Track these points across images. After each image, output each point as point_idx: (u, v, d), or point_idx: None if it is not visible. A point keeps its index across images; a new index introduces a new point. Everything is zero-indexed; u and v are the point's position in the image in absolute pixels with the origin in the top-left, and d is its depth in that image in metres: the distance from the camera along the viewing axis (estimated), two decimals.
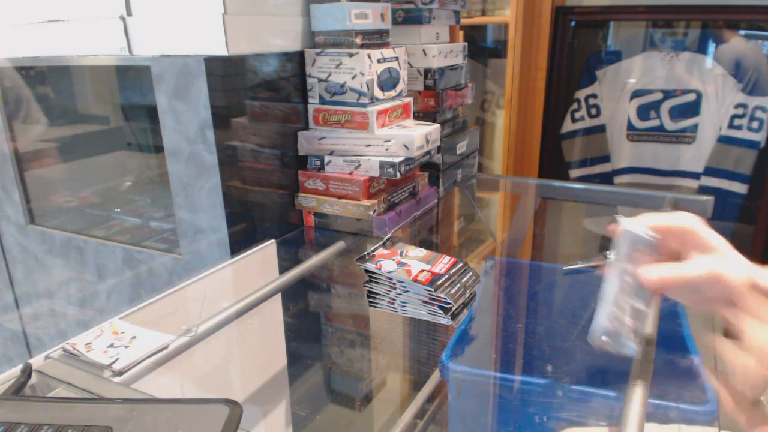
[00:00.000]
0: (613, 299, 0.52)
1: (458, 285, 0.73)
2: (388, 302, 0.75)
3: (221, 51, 0.83)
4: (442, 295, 0.70)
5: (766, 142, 1.59)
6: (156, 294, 0.74)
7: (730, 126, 1.62)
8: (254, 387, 0.70)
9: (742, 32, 1.60)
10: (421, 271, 0.73)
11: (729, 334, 0.48)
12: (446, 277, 0.73)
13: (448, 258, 0.77)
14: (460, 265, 0.76)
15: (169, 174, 0.92)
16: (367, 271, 0.76)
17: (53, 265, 1.20)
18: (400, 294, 0.73)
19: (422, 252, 0.79)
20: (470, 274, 0.76)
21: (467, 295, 0.74)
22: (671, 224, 0.53)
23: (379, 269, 0.74)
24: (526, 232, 1.21)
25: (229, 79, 0.87)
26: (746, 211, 1.67)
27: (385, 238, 0.83)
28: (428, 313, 0.71)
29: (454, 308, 0.70)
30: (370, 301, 0.76)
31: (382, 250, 0.80)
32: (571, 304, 0.86)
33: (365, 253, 0.79)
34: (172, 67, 0.85)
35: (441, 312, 0.70)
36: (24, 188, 1.20)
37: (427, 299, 0.71)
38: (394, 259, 0.76)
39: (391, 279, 0.74)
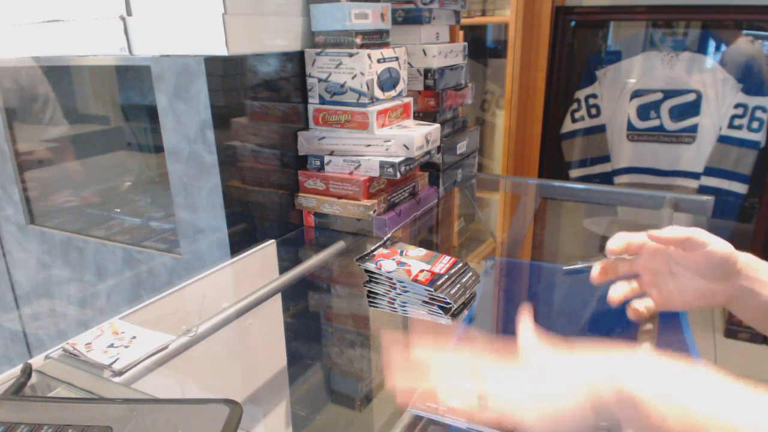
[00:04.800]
0: None
1: (458, 285, 0.73)
2: (388, 302, 0.74)
3: (221, 51, 0.83)
4: (442, 295, 0.70)
5: (766, 142, 1.59)
6: (156, 294, 0.74)
7: (730, 126, 1.62)
8: (254, 387, 0.70)
9: (742, 32, 1.60)
10: (421, 270, 0.73)
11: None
12: (446, 277, 0.73)
13: (448, 258, 0.77)
14: (460, 265, 0.76)
15: (169, 174, 0.92)
16: (367, 271, 0.76)
17: (53, 265, 1.20)
18: (400, 294, 0.73)
19: (422, 252, 0.79)
20: (470, 274, 0.76)
21: (467, 295, 0.74)
22: None
23: (379, 269, 0.74)
24: (526, 232, 1.21)
25: (229, 79, 0.87)
26: (746, 211, 1.67)
27: (384, 239, 0.83)
28: (428, 313, 0.71)
29: (454, 308, 0.70)
30: (370, 301, 0.76)
31: (382, 250, 0.80)
32: (571, 304, 0.86)
33: (365, 253, 0.79)
34: (172, 67, 0.85)
35: (441, 312, 0.70)
36: (24, 188, 1.20)
37: (427, 299, 0.71)
38: (394, 259, 0.76)
39: (391, 279, 0.74)
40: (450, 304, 0.69)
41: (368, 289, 0.75)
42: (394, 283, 0.73)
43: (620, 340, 0.72)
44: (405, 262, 0.75)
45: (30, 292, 1.29)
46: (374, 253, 0.79)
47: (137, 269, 1.05)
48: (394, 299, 0.74)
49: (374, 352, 0.75)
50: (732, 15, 1.58)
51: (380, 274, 0.74)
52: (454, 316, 0.70)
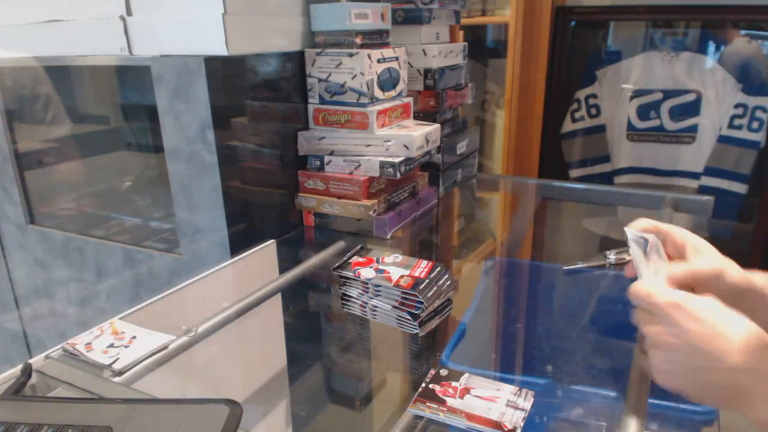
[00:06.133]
0: None
1: (434, 289, 0.72)
2: (360, 306, 0.74)
3: (221, 51, 0.83)
4: (419, 297, 0.69)
5: (766, 142, 1.59)
6: (156, 294, 0.74)
7: (730, 126, 1.61)
8: (254, 387, 0.70)
9: (742, 32, 1.60)
10: (402, 276, 0.72)
11: None
12: (427, 281, 0.72)
13: (426, 262, 0.76)
14: (439, 269, 0.75)
15: (169, 174, 0.92)
16: (343, 278, 0.75)
17: (53, 265, 1.20)
18: (372, 298, 0.73)
19: (398, 257, 0.78)
20: (446, 277, 0.75)
21: (442, 298, 0.73)
22: (664, 228, 0.56)
23: (358, 277, 0.74)
24: (526, 232, 1.21)
25: (229, 79, 0.87)
26: (746, 211, 1.67)
27: (358, 247, 0.82)
28: (397, 319, 0.71)
29: (422, 316, 0.70)
30: (343, 304, 0.76)
31: (357, 258, 0.79)
32: (571, 304, 0.86)
33: (341, 261, 0.78)
34: (172, 67, 0.85)
35: (410, 318, 0.69)
36: (24, 188, 1.20)
37: (397, 304, 0.71)
38: (371, 267, 0.76)
39: (365, 283, 0.73)
40: (422, 306, 0.69)
41: (342, 291, 0.75)
42: (368, 287, 0.73)
43: (620, 341, 0.72)
44: (383, 269, 0.74)
45: (30, 292, 1.29)
46: (350, 261, 0.78)
47: (137, 269, 1.05)
48: (366, 303, 0.74)
49: (374, 351, 0.75)
50: (732, 15, 1.58)
51: (357, 279, 0.74)
52: (422, 323, 0.69)
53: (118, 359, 0.59)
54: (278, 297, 0.80)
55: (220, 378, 0.70)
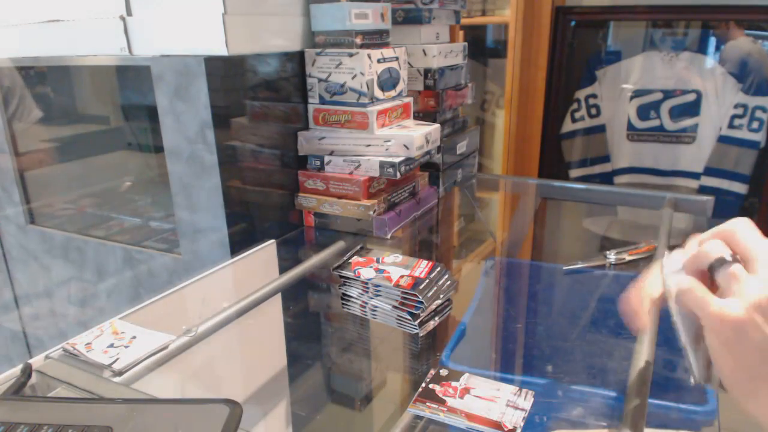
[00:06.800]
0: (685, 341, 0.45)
1: (435, 288, 0.72)
2: (360, 306, 0.74)
3: (221, 51, 0.83)
4: (419, 296, 0.69)
5: (766, 142, 1.59)
6: (156, 294, 0.74)
7: (730, 126, 1.61)
8: (254, 387, 0.70)
9: (743, 32, 1.60)
10: (402, 276, 0.72)
11: None
12: (427, 281, 0.72)
13: (426, 262, 0.76)
14: (439, 269, 0.75)
15: (169, 174, 0.92)
16: (343, 277, 0.75)
17: (53, 265, 1.20)
18: (371, 298, 0.73)
19: (398, 257, 0.78)
20: (446, 277, 0.75)
21: (441, 298, 0.73)
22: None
23: (358, 277, 0.74)
24: (526, 232, 1.21)
25: (229, 79, 0.87)
26: (746, 211, 1.67)
27: (358, 247, 0.82)
28: (396, 319, 0.71)
29: (422, 317, 0.70)
30: (343, 304, 0.76)
31: (357, 258, 0.79)
32: (571, 304, 0.86)
33: (341, 261, 0.78)
34: (172, 67, 0.85)
35: (410, 318, 0.69)
36: (24, 188, 1.20)
37: (397, 304, 0.71)
38: (371, 267, 0.76)
39: (365, 283, 0.73)
40: (421, 305, 0.69)
41: (342, 291, 0.76)
42: (368, 287, 0.73)
43: (620, 341, 0.72)
44: (383, 269, 0.74)
45: (30, 292, 1.29)
46: (350, 261, 0.78)
47: (137, 269, 1.05)
48: (366, 303, 0.74)
49: (374, 351, 0.75)
50: (732, 15, 1.58)
51: (356, 279, 0.74)
52: (422, 323, 0.69)
53: (118, 359, 0.59)
54: (278, 297, 0.80)
55: (220, 378, 0.70)
